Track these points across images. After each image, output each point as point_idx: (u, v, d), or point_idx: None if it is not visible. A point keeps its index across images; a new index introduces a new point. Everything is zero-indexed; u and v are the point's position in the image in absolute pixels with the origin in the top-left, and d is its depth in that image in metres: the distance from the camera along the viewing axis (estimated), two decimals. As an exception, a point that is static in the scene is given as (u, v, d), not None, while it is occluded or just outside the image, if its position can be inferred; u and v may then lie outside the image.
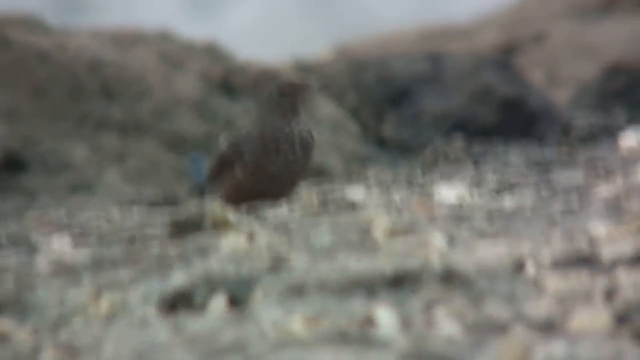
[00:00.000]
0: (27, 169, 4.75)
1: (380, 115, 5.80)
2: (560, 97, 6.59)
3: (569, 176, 2.51)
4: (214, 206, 2.19)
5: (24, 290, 1.90)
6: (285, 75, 5.70)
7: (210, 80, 5.82)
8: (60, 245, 2.14)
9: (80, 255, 2.08)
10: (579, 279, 1.82)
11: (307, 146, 2.51)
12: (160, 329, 1.76)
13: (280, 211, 2.40)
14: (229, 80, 5.86)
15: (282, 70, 5.88)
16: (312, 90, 2.56)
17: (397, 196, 2.45)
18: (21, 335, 1.78)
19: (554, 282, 1.83)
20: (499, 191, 2.45)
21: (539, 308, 1.74)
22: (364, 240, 2.11)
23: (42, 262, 2.03)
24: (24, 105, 5.12)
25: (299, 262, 1.96)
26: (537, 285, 1.84)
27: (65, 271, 2.00)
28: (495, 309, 1.76)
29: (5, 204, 3.99)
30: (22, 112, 5.08)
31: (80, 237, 2.22)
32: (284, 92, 2.52)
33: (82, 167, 4.81)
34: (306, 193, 2.56)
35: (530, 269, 1.90)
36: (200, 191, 2.62)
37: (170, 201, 3.46)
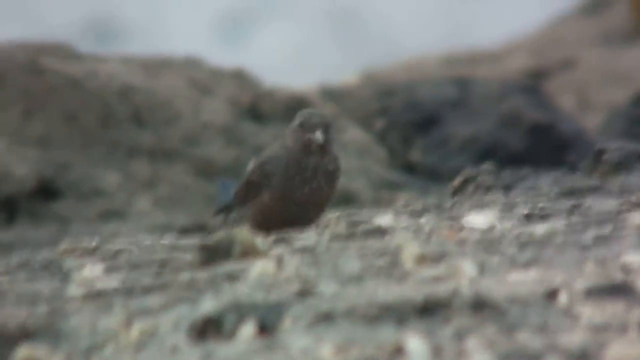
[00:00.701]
0: (60, 195, 4.80)
1: (408, 140, 5.80)
2: (591, 122, 6.55)
3: (601, 203, 2.49)
4: (243, 232, 2.19)
5: (57, 317, 1.91)
6: (312, 104, 5.72)
7: (239, 106, 5.86)
8: (91, 272, 2.16)
9: (112, 281, 2.09)
10: (613, 309, 1.80)
11: (331, 176, 2.53)
12: (190, 357, 1.76)
13: (308, 237, 2.40)
14: (257, 106, 5.90)
15: (310, 96, 5.90)
16: (333, 126, 2.58)
17: (426, 222, 2.44)
18: (53, 362, 1.78)
19: (588, 312, 1.81)
20: (529, 218, 2.43)
21: (573, 338, 1.72)
22: (393, 267, 2.10)
23: (74, 289, 2.04)
24: (56, 132, 5.18)
25: (327, 289, 1.96)
26: (570, 315, 1.81)
27: (97, 298, 2.01)
28: (528, 339, 1.74)
29: (38, 230, 4.03)
30: (54, 139, 5.14)
31: (111, 263, 2.23)
32: (306, 128, 2.54)
33: (114, 193, 4.85)
34: (334, 219, 2.56)
35: (563, 298, 1.88)
36: (226, 215, 2.63)
37: (200, 227, 3.48)
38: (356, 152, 5.67)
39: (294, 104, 5.83)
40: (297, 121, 2.58)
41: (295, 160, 2.53)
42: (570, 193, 2.68)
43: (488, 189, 2.88)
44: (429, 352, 1.71)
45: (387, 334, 1.79)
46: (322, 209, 2.55)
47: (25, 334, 1.87)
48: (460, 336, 1.77)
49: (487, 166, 3.05)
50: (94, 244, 2.36)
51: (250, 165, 2.63)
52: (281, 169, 2.53)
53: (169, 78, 5.94)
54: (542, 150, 5.67)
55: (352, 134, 5.76)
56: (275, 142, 2.67)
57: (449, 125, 5.84)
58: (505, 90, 5.98)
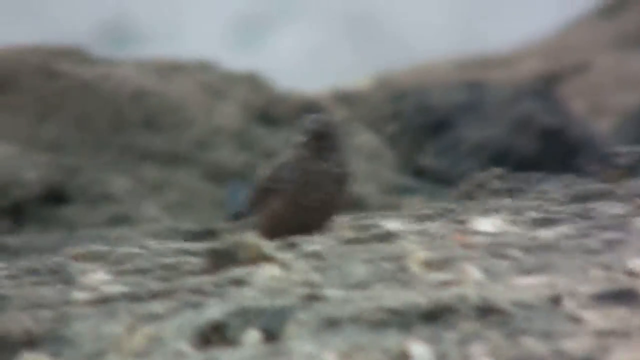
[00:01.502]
0: (68, 200, 4.82)
1: (418, 144, 5.79)
2: (603, 127, 6.51)
3: (610, 208, 2.47)
4: (250, 237, 2.19)
5: (61, 323, 1.91)
6: (324, 107, 5.71)
7: (251, 111, 5.86)
8: (98, 277, 2.16)
9: (118, 286, 2.09)
10: (618, 315, 1.78)
11: (341, 181, 2.53)
12: (195, 362, 1.76)
13: (316, 242, 2.39)
14: (269, 110, 5.90)
15: (322, 100, 5.90)
16: (342, 132, 2.59)
17: (433, 227, 2.43)
18: (57, 368, 1.79)
19: (593, 318, 1.80)
20: (537, 223, 2.42)
21: (578, 344, 1.71)
22: (400, 272, 2.09)
23: (79, 294, 2.04)
24: (68, 136, 5.20)
25: (333, 295, 1.95)
26: (575, 321, 1.80)
27: (103, 301, 2.01)
28: (533, 344, 1.73)
29: (46, 235, 4.05)
30: (66, 143, 5.16)
31: (118, 268, 2.23)
32: (316, 135, 2.54)
33: (123, 198, 4.86)
34: (342, 223, 2.56)
35: (568, 303, 1.87)
36: (239, 220, 2.64)
37: (208, 232, 3.49)
38: (367, 156, 5.67)
39: (307, 108, 5.83)
40: (307, 125, 2.58)
41: (306, 166, 2.54)
42: (579, 198, 2.66)
43: (497, 193, 2.87)
44: (434, 357, 1.71)
45: (392, 340, 1.78)
46: (332, 214, 2.55)
47: (29, 339, 1.88)
48: (465, 342, 1.76)
49: (496, 171, 3.03)
50: (99, 249, 2.37)
51: (261, 171, 2.63)
52: (293, 173, 2.53)
53: (181, 82, 5.96)
54: (553, 154, 5.65)
55: (363, 138, 5.75)
56: (287, 147, 2.67)
57: (460, 130, 5.82)
58: (517, 94, 5.95)
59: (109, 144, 5.29)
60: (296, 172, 2.53)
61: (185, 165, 5.37)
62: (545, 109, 5.90)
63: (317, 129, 2.55)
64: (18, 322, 1.88)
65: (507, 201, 2.67)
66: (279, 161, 2.59)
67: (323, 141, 2.54)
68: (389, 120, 5.99)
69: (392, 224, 2.49)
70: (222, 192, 5.08)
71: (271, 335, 1.86)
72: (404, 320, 1.85)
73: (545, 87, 6.57)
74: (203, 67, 6.09)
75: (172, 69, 6.04)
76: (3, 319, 1.89)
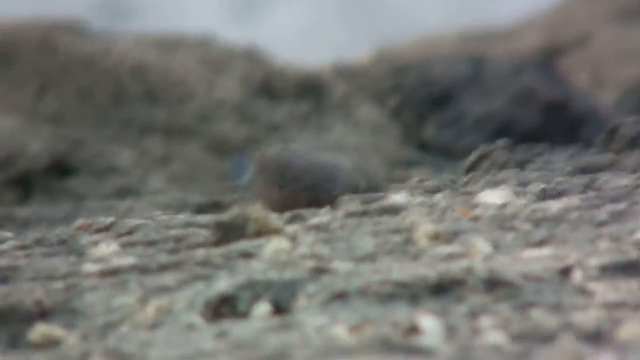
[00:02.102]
0: (74, 173, 4.82)
1: (421, 118, 5.78)
2: (605, 99, 6.50)
3: (616, 179, 2.48)
4: (257, 209, 2.19)
5: (73, 296, 1.92)
6: (325, 81, 5.69)
7: (251, 84, 5.85)
8: (107, 249, 2.17)
9: (127, 258, 2.10)
10: (628, 287, 1.79)
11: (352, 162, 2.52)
12: (205, 335, 1.77)
13: (322, 215, 2.40)
14: (269, 84, 5.89)
15: (322, 74, 5.88)
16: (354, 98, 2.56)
17: (440, 200, 2.44)
18: (71, 341, 1.80)
19: (602, 290, 1.81)
20: (544, 194, 2.42)
21: (587, 316, 1.72)
22: (407, 245, 2.10)
23: (89, 266, 2.05)
24: (69, 110, 5.19)
25: (341, 267, 1.96)
26: (584, 293, 1.81)
27: (113, 273, 2.02)
28: (542, 317, 1.74)
29: (54, 206, 4.05)
30: (67, 116, 5.16)
31: (127, 240, 2.24)
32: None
33: (128, 170, 4.87)
34: (348, 197, 2.56)
35: (577, 276, 1.87)
36: (242, 192, 2.63)
37: (215, 205, 3.49)
38: (369, 130, 5.66)
39: (307, 82, 5.81)
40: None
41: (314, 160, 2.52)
42: (585, 169, 2.66)
43: (502, 165, 2.87)
44: (444, 330, 1.72)
45: (401, 312, 1.79)
46: (338, 190, 2.55)
47: (42, 311, 1.88)
48: (474, 314, 1.77)
49: (501, 143, 3.03)
50: (109, 220, 2.37)
51: (272, 150, 2.61)
52: (305, 174, 2.52)
53: (181, 56, 5.94)
54: (556, 127, 5.64)
55: (366, 112, 5.74)
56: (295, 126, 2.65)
57: (463, 103, 5.81)
58: (519, 67, 5.94)
59: (111, 117, 5.28)
60: (301, 161, 2.51)
61: (188, 138, 5.37)
62: (548, 82, 5.88)
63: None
64: (30, 293, 1.89)
65: (512, 173, 2.67)
66: (290, 147, 2.57)
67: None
68: (391, 94, 5.98)
69: (398, 197, 2.49)
70: (226, 165, 5.08)
71: (281, 308, 1.87)
72: (412, 293, 1.86)
73: (547, 60, 6.55)
74: (203, 41, 6.06)
75: (172, 43, 6.01)
76: (15, 290, 1.90)
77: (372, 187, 2.45)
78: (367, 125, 5.70)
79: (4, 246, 2.23)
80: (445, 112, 5.72)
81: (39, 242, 2.22)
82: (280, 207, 2.47)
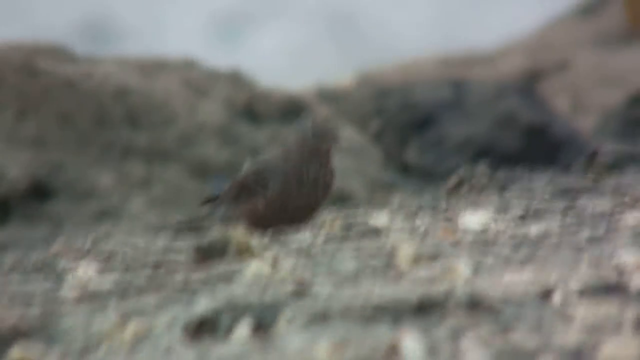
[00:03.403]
0: (53, 196, 4.80)
1: (403, 141, 5.80)
2: (585, 124, 6.56)
3: (595, 204, 2.49)
4: (238, 232, 2.19)
5: (51, 317, 1.90)
6: (308, 105, 5.71)
7: (234, 107, 5.86)
8: (85, 273, 2.15)
9: (106, 281, 2.08)
10: (607, 308, 1.80)
11: (327, 187, 2.54)
12: (185, 356, 1.76)
13: (303, 237, 2.39)
14: (252, 107, 5.90)
15: (305, 97, 5.90)
16: (337, 140, 2.58)
17: (421, 222, 2.44)
18: (47, 362, 1.78)
19: (582, 311, 1.81)
20: (524, 218, 2.43)
21: (568, 337, 1.72)
22: (388, 267, 2.10)
23: (67, 290, 2.03)
24: (50, 133, 5.17)
25: (322, 289, 1.95)
26: (564, 314, 1.81)
27: (91, 298, 2.00)
28: (523, 339, 1.74)
29: (32, 230, 4.02)
30: (48, 140, 5.14)
31: (105, 264, 2.22)
32: (317, 136, 2.54)
33: (108, 194, 4.85)
34: (329, 219, 2.56)
35: (557, 297, 1.88)
36: (213, 208, 2.63)
37: (194, 227, 3.48)
38: (352, 153, 5.67)
39: (290, 105, 5.83)
40: (308, 129, 2.56)
41: (296, 170, 2.53)
42: (565, 193, 2.68)
43: (483, 189, 2.88)
44: (424, 351, 1.71)
45: (382, 333, 1.79)
46: (314, 213, 2.56)
47: (19, 335, 1.86)
48: (455, 336, 1.77)
49: (481, 167, 3.05)
50: (87, 244, 2.35)
51: (246, 166, 2.62)
52: (280, 177, 2.53)
53: (164, 79, 5.94)
54: (536, 151, 5.68)
55: (348, 135, 5.76)
56: (274, 146, 2.67)
57: (444, 127, 5.85)
58: (500, 91, 5.98)
59: (93, 141, 5.27)
60: (285, 174, 2.52)
61: (169, 162, 5.36)
62: (528, 106, 5.93)
63: (321, 132, 2.55)
64: (7, 317, 1.87)
65: (493, 197, 2.68)
66: (263, 159, 2.59)
67: (318, 144, 2.54)
68: (373, 117, 6.00)
69: (379, 220, 2.49)
70: (207, 187, 5.07)
71: (261, 330, 1.86)
72: (393, 315, 1.86)
73: (528, 84, 6.60)
74: (186, 65, 6.07)
75: (154, 66, 6.02)
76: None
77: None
78: (349, 149, 5.72)
79: (-17, 269, 2.20)
80: (427, 136, 5.76)
81: (16, 266, 2.21)
82: (259, 222, 2.47)
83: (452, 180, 3.02)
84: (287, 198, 2.50)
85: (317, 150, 2.53)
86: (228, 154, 5.61)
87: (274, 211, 2.51)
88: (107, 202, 4.76)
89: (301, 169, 2.52)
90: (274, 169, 2.54)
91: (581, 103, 7.17)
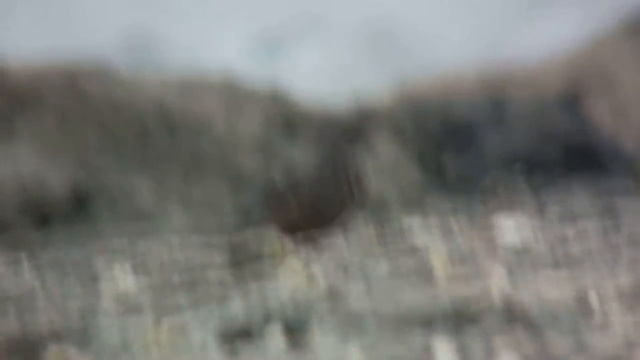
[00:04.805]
0: (95, 213, 4.86)
1: (442, 156, 5.77)
2: (628, 142, 6.46)
3: (634, 205, 2.45)
4: (272, 236, 2.19)
5: (87, 319, 1.92)
6: (347, 120, 5.71)
7: (273, 125, 5.88)
8: (122, 274, 2.17)
9: (142, 284, 2.10)
10: (644, 311, 1.76)
11: (359, 188, 2.54)
12: (218, 357, 1.76)
13: (336, 241, 2.39)
14: (290, 124, 5.92)
15: (343, 115, 5.91)
16: (374, 136, 2.58)
17: (457, 226, 2.42)
18: (83, 360, 1.79)
19: (619, 317, 1.78)
20: (561, 223, 2.40)
21: (603, 343, 1.69)
22: (422, 273, 2.08)
23: (105, 291, 2.05)
24: (92, 154, 5.24)
25: (355, 292, 1.95)
26: (601, 320, 1.78)
27: (127, 300, 2.02)
28: (557, 343, 1.71)
29: (70, 232, 4.08)
30: (90, 160, 5.21)
31: (142, 266, 2.24)
32: (347, 136, 2.54)
33: (148, 210, 4.89)
34: (363, 225, 2.55)
35: (594, 302, 1.85)
36: (253, 219, 2.64)
37: (229, 231, 3.49)
38: (389, 169, 5.66)
39: (327, 124, 5.83)
40: (337, 127, 2.57)
41: (327, 168, 2.54)
42: (603, 199, 2.64)
43: (520, 194, 2.85)
44: (458, 354, 1.70)
45: (415, 338, 1.77)
46: (346, 214, 2.56)
47: (56, 333, 1.88)
48: (489, 341, 1.75)
49: (520, 178, 3.02)
50: (124, 246, 2.38)
51: (277, 175, 2.64)
52: (309, 177, 2.54)
53: (204, 95, 6.00)
54: (578, 168, 5.60)
55: (386, 151, 5.75)
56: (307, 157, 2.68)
57: (484, 142, 5.80)
58: (541, 109, 5.93)
59: (134, 160, 5.33)
60: (316, 173, 2.53)
61: (208, 177, 5.40)
62: (571, 124, 5.86)
63: (346, 134, 2.55)
64: (45, 315, 1.89)
65: (529, 198, 2.65)
66: (293, 166, 2.59)
67: (349, 136, 2.54)
68: (412, 134, 5.98)
69: (414, 227, 2.48)
70: (244, 201, 5.09)
71: (294, 334, 1.86)
72: (426, 318, 1.84)
73: (571, 102, 6.53)
74: (226, 81, 6.13)
75: (195, 82, 6.08)
76: (30, 312, 1.90)
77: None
78: (387, 165, 5.70)
79: (21, 270, 2.23)
80: (466, 151, 5.72)
81: (55, 265, 2.23)
82: (291, 227, 2.48)
83: (491, 194, 3.00)
84: (319, 200, 2.51)
85: (346, 151, 2.54)
86: (266, 170, 5.64)
87: (306, 212, 2.51)
88: (147, 217, 4.80)
89: (332, 169, 2.52)
90: (304, 169, 2.56)
91: (625, 122, 7.08)
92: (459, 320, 1.83)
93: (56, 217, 4.60)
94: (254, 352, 1.78)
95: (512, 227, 2.33)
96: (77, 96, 5.43)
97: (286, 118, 5.94)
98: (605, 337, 1.72)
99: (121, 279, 2.14)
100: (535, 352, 1.69)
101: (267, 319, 1.87)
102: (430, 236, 2.34)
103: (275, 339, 1.84)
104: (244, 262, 2.16)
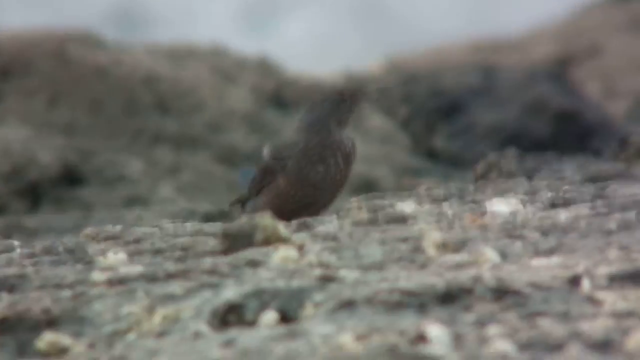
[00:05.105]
0: (84, 182, 4.85)
1: (431, 127, 5.77)
2: (616, 110, 6.49)
3: (625, 189, 2.46)
4: (266, 218, 2.19)
5: (80, 304, 1.92)
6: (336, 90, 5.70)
7: (262, 94, 5.86)
8: (115, 257, 2.17)
9: (135, 266, 2.10)
10: (636, 296, 1.78)
11: (349, 157, 2.52)
12: (212, 344, 1.77)
13: (330, 224, 2.40)
14: (280, 93, 5.90)
15: (333, 84, 5.89)
16: (370, 97, 2.57)
17: (448, 210, 2.43)
18: (78, 349, 1.80)
19: (611, 300, 1.80)
20: (553, 204, 2.41)
21: (595, 326, 1.71)
22: (415, 254, 2.09)
23: (97, 274, 2.06)
24: (81, 120, 5.22)
25: (349, 276, 1.96)
26: (593, 303, 1.80)
27: (121, 282, 2.02)
28: (550, 326, 1.73)
29: (63, 217, 4.07)
30: (79, 127, 5.19)
31: (134, 249, 2.24)
32: (344, 98, 2.53)
33: (137, 180, 4.89)
34: (356, 205, 2.56)
35: (586, 285, 1.86)
36: (243, 202, 2.64)
37: (222, 214, 3.49)
38: (379, 139, 5.66)
39: (317, 92, 5.82)
40: (334, 93, 2.55)
41: (317, 139, 2.52)
42: (595, 179, 2.65)
43: (511, 174, 2.86)
44: (451, 339, 1.71)
45: (408, 321, 1.78)
46: (337, 192, 2.55)
47: (50, 319, 1.89)
48: (482, 323, 1.76)
49: (510, 152, 3.02)
50: (117, 229, 2.38)
51: (265, 150, 2.62)
52: (297, 152, 2.52)
53: (193, 66, 5.96)
54: (566, 137, 5.63)
55: (375, 121, 5.74)
56: (292, 128, 2.66)
57: (473, 113, 5.81)
58: (530, 77, 5.93)
59: (122, 128, 5.30)
60: (302, 148, 2.51)
61: (198, 148, 5.38)
62: (559, 92, 5.87)
63: (343, 95, 2.53)
64: (37, 301, 1.89)
65: (521, 182, 2.66)
66: (281, 141, 2.58)
67: (343, 110, 2.52)
68: (401, 104, 5.97)
69: (406, 206, 2.49)
70: (235, 175, 5.09)
71: (288, 317, 1.86)
72: (420, 301, 1.85)
73: (559, 70, 6.53)
74: (214, 51, 6.08)
75: (183, 53, 6.04)
76: (23, 298, 1.91)
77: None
78: (377, 135, 5.71)
79: (13, 255, 2.24)
80: (456, 122, 5.72)
81: (47, 250, 2.23)
82: (282, 204, 2.47)
83: (480, 166, 3.00)
84: (307, 171, 2.50)
85: (338, 116, 2.52)
86: (256, 140, 5.62)
87: (297, 189, 2.50)
88: (137, 187, 4.79)
89: (320, 137, 2.51)
90: (290, 144, 2.54)
91: (613, 89, 7.09)
92: (453, 302, 1.85)
93: (46, 197, 4.59)
94: (248, 335, 1.79)
95: (504, 209, 2.34)
96: (65, 64, 5.39)
97: (275, 87, 5.92)
98: (598, 319, 1.74)
99: (114, 265, 2.14)
100: (528, 336, 1.71)
101: (261, 301, 1.88)
102: (423, 217, 2.35)
103: (269, 322, 1.85)
104: (238, 245, 2.16)
